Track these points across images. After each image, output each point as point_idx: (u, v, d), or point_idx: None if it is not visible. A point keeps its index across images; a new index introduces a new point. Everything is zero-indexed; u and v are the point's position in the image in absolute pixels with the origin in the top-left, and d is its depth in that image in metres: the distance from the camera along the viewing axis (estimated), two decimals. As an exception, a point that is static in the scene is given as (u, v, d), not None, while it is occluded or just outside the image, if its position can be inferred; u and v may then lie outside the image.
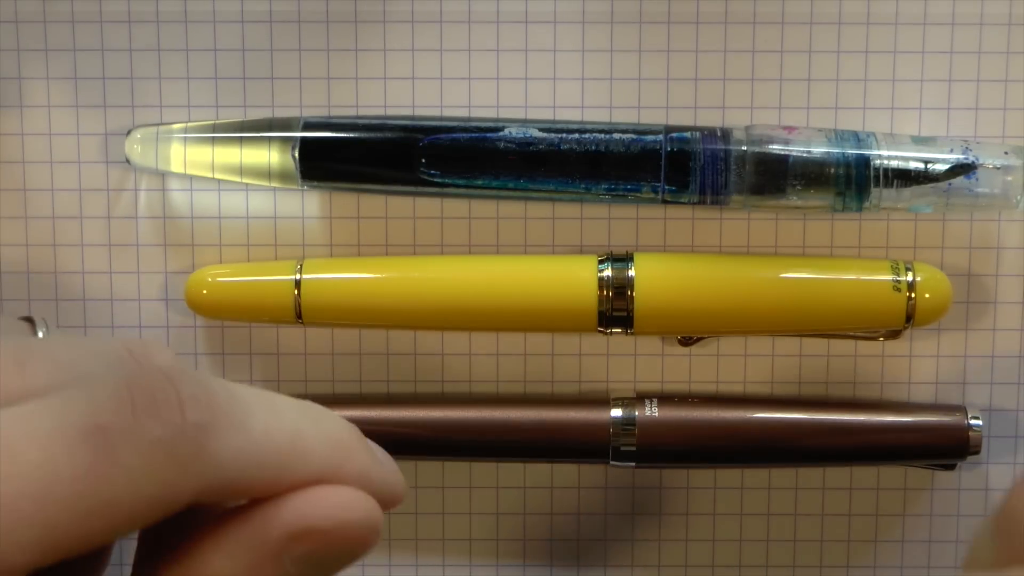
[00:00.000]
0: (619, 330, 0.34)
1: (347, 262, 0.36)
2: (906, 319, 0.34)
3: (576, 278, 0.34)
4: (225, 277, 0.35)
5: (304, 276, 0.35)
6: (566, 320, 0.35)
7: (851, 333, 0.36)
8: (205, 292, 0.35)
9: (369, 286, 0.35)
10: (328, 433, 0.21)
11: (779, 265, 0.35)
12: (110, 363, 0.20)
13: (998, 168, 0.34)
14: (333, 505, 0.20)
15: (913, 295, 0.34)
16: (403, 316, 0.35)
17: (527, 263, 0.35)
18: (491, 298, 0.34)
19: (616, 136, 0.34)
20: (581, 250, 0.36)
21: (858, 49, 0.35)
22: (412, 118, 0.35)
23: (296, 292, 0.35)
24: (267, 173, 0.35)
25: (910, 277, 0.34)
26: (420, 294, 0.35)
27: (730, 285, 0.34)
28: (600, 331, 0.35)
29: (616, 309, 0.34)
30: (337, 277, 0.35)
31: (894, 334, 0.35)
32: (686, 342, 0.36)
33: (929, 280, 0.34)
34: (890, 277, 0.34)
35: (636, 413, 0.35)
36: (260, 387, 0.37)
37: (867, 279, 0.34)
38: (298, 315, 0.35)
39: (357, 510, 0.20)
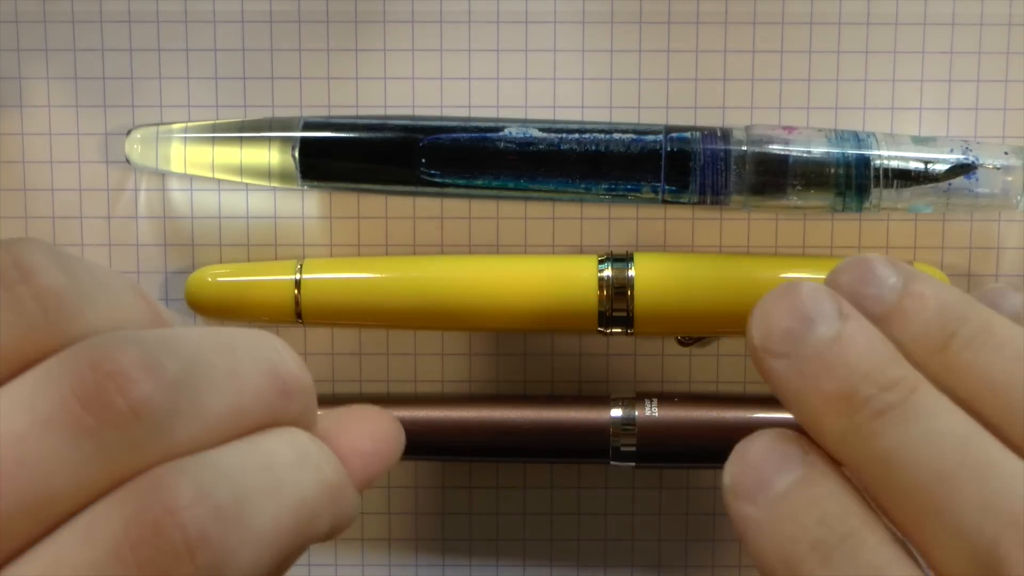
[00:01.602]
0: (619, 330, 0.34)
1: (347, 262, 0.36)
2: None
3: (576, 278, 0.34)
4: (225, 277, 0.35)
5: (304, 276, 0.35)
6: (566, 320, 0.35)
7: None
8: (205, 292, 0.35)
9: (369, 286, 0.35)
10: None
11: (779, 265, 0.35)
12: None
13: (998, 168, 0.34)
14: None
15: None
16: (403, 316, 0.35)
17: (527, 263, 0.35)
18: (491, 298, 0.34)
19: (616, 136, 0.34)
20: (581, 250, 0.36)
21: (858, 49, 0.35)
22: (412, 118, 0.35)
23: (296, 292, 0.35)
24: (267, 173, 0.35)
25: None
26: (420, 294, 0.35)
27: (730, 285, 0.34)
28: (600, 331, 0.35)
29: (616, 309, 0.34)
30: (337, 277, 0.35)
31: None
32: (685, 342, 0.36)
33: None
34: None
35: (636, 413, 0.35)
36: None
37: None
38: (298, 315, 0.35)
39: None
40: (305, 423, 0.22)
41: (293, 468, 0.21)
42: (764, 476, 0.22)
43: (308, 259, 0.35)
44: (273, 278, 0.35)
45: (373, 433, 0.24)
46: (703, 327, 0.35)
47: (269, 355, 0.21)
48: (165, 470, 0.19)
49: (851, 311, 0.22)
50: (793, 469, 0.22)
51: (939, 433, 0.21)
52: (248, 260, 0.36)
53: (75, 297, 0.20)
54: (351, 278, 0.35)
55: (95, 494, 0.19)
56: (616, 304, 0.34)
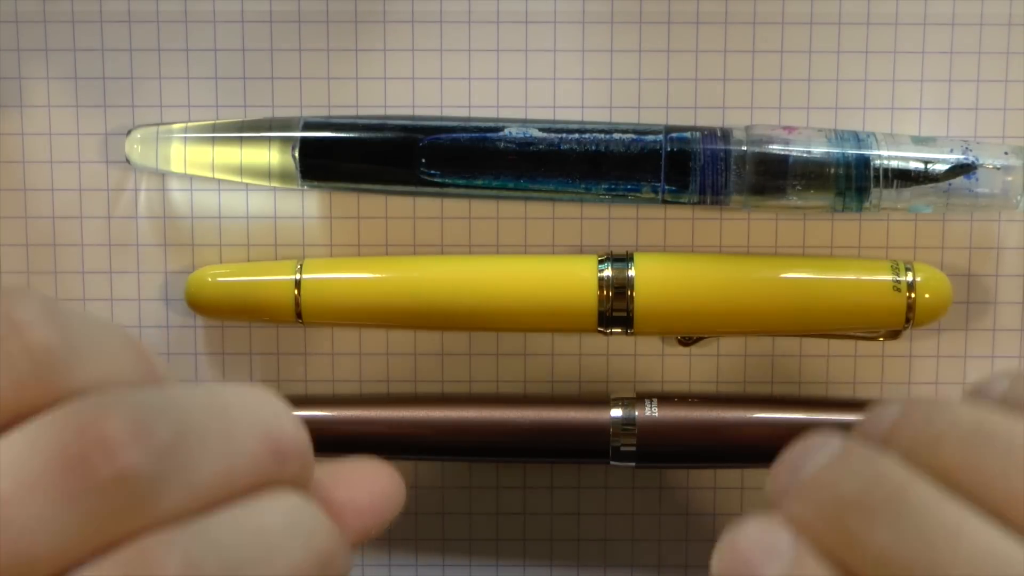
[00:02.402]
0: (619, 330, 0.34)
1: (347, 262, 0.36)
2: (906, 319, 0.34)
3: (576, 278, 0.34)
4: (225, 277, 0.35)
5: (304, 276, 0.35)
6: (566, 320, 0.35)
7: (851, 333, 0.36)
8: (205, 292, 0.35)
9: (369, 286, 0.35)
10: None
11: (779, 265, 0.35)
12: None
13: (998, 168, 0.34)
14: None
15: (913, 295, 0.34)
16: (403, 316, 0.35)
17: (527, 263, 0.35)
18: (491, 298, 0.34)
19: (616, 136, 0.34)
20: (581, 250, 0.36)
21: (858, 49, 0.35)
22: (412, 118, 0.35)
23: (296, 292, 0.35)
24: (267, 173, 0.35)
25: (910, 277, 0.34)
26: (420, 294, 0.35)
27: (730, 285, 0.34)
28: (600, 331, 0.35)
29: (616, 309, 0.34)
30: (337, 277, 0.35)
31: (894, 334, 0.36)
32: (686, 342, 0.36)
33: (929, 280, 0.34)
34: (890, 277, 0.34)
35: (636, 413, 0.35)
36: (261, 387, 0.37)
37: (867, 279, 0.34)
38: (298, 315, 0.35)
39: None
40: (301, 483, 0.21)
41: (284, 535, 0.20)
42: (754, 566, 0.21)
43: (308, 259, 0.35)
44: (273, 278, 0.35)
45: (372, 487, 0.24)
46: (703, 327, 0.35)
47: (265, 416, 0.21)
48: (153, 541, 0.18)
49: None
50: (783, 558, 0.21)
51: (930, 527, 0.20)
52: (248, 260, 0.36)
53: (67, 353, 0.19)
54: (351, 278, 0.35)
55: (79, 559, 0.18)
56: (616, 304, 0.34)
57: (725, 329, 0.35)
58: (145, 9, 0.35)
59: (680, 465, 0.36)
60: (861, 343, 0.36)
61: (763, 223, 0.36)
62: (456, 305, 0.34)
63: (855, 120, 0.35)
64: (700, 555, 0.37)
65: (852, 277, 0.34)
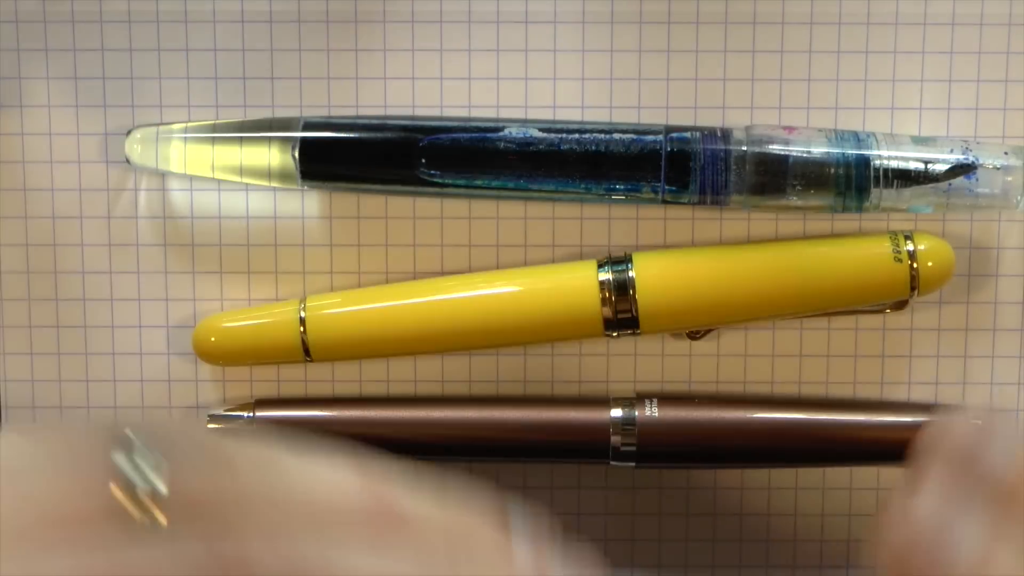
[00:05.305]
0: (627, 331, 0.34)
1: (349, 295, 0.35)
2: (911, 288, 0.34)
3: (576, 286, 0.34)
4: (230, 323, 0.35)
5: (308, 314, 0.35)
6: (572, 329, 0.35)
7: (858, 308, 0.35)
8: (213, 342, 0.35)
9: (372, 317, 0.35)
10: None
11: (779, 248, 0.35)
12: None
13: (998, 168, 0.34)
14: None
15: (915, 264, 0.34)
16: (410, 343, 0.35)
17: (526, 276, 0.35)
18: (495, 316, 0.34)
19: (616, 136, 0.34)
20: (581, 250, 0.36)
21: (858, 49, 0.35)
22: (412, 118, 0.35)
23: (301, 330, 0.35)
24: (267, 173, 0.35)
25: (911, 247, 0.34)
26: (424, 320, 0.35)
27: (731, 272, 0.34)
28: (607, 335, 0.35)
29: (620, 312, 0.34)
30: (341, 311, 0.35)
31: (900, 305, 0.35)
32: (695, 335, 0.36)
33: (931, 248, 0.34)
34: (890, 248, 0.34)
35: (636, 413, 0.35)
36: (258, 388, 0.37)
37: (868, 252, 0.34)
38: (306, 352, 0.35)
39: None
40: None
41: None
42: None
43: (310, 296, 0.35)
44: (277, 320, 0.35)
45: None
46: (709, 318, 0.35)
47: None
48: None
49: None
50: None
51: None
52: (248, 260, 0.36)
53: None
54: (354, 311, 0.35)
55: None
56: (620, 306, 0.34)
57: (731, 317, 0.35)
58: (145, 9, 0.35)
59: (680, 465, 0.36)
60: (862, 342, 0.36)
61: (763, 223, 0.36)
62: (463, 329, 0.35)
63: (855, 120, 0.35)
64: (700, 555, 0.37)
65: (852, 251, 0.34)
